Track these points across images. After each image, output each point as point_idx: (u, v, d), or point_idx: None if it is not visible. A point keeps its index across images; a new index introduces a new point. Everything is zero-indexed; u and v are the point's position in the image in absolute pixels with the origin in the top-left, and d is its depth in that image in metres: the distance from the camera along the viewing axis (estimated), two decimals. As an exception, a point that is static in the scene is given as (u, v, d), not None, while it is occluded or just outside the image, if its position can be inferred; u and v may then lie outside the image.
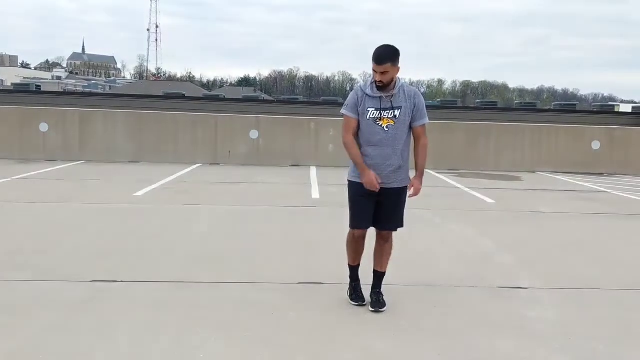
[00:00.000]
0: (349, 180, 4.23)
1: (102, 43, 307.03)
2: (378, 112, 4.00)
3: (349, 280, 4.38)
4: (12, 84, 32.28)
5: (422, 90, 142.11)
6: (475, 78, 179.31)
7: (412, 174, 4.26)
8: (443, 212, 8.12)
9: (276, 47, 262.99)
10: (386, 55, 3.92)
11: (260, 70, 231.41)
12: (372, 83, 4.03)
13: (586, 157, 14.16)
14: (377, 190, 4.02)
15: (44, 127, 13.37)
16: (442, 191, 10.29)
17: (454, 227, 7.19)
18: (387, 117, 4.00)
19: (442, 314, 4.16)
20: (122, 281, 4.59)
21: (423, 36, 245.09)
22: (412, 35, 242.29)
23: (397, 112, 4.01)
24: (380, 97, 4.00)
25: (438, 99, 38.13)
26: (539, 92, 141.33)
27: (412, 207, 8.30)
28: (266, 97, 54.35)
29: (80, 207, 7.73)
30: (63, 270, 4.84)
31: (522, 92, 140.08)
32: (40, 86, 25.74)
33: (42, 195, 8.55)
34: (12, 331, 3.61)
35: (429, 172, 13.01)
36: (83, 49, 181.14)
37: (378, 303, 4.16)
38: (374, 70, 3.94)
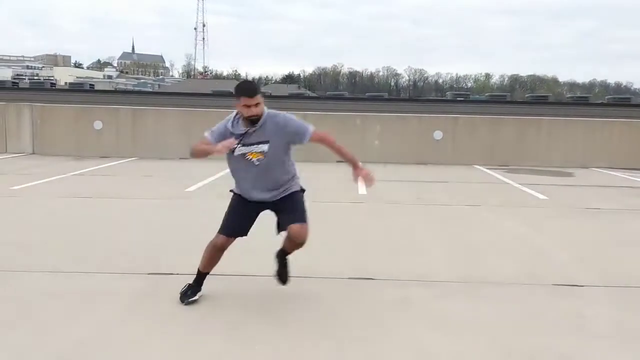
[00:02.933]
0: (231, 190, 4.13)
1: (151, 43, 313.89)
2: (246, 147, 3.80)
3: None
4: (66, 83, 33.42)
5: (469, 84, 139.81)
6: (523, 72, 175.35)
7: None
8: (494, 208, 8.00)
9: (320, 43, 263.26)
10: (256, 87, 3.81)
11: (304, 67, 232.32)
12: (237, 119, 3.84)
13: (642, 152, 13.68)
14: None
15: (98, 124, 13.81)
16: (493, 187, 10.14)
17: (505, 223, 7.08)
18: (256, 152, 3.82)
19: (495, 311, 4.11)
20: (178, 274, 4.71)
21: (469, 30, 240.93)
22: (457, 29, 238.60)
23: (264, 147, 3.80)
24: (245, 132, 3.79)
25: (486, 94, 37.48)
26: (590, 86, 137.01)
27: (463, 204, 8.32)
28: (311, 93, 54.52)
29: (135, 202, 7.95)
30: (121, 263, 5.00)
31: (572, 85, 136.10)
32: (93, 85, 26.54)
33: (98, 190, 8.83)
34: (78, 321, 3.75)
35: (478, 168, 12.83)
36: (133, 48, 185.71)
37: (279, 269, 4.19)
38: (244, 105, 3.70)
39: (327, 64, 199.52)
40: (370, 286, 4.58)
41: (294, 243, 3.99)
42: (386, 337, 3.60)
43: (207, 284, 4.53)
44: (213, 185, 9.54)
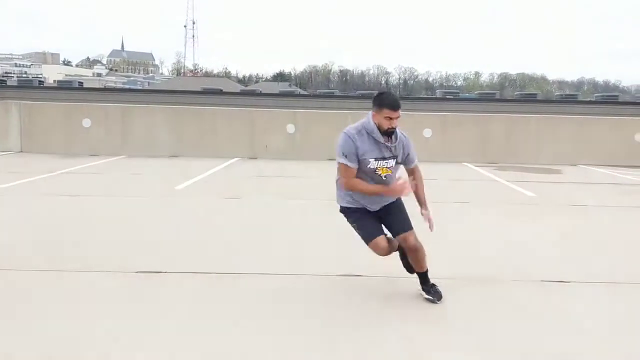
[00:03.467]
0: (345, 207, 4.14)
1: (141, 40, 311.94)
2: (377, 161, 3.91)
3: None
4: (55, 80, 33.18)
5: (459, 83, 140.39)
6: (512, 70, 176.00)
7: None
8: (483, 205, 8.04)
9: (311, 41, 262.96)
10: (399, 101, 3.89)
11: (295, 65, 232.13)
12: (369, 129, 3.89)
13: (630, 150, 13.80)
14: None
15: (86, 122, 13.74)
16: (481, 184, 10.19)
17: (494, 220, 7.12)
18: (385, 167, 3.95)
19: (484, 307, 4.13)
20: (165, 272, 4.70)
21: (457, 28, 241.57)
22: (445, 27, 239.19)
23: (392, 162, 3.98)
24: (379, 145, 3.90)
25: (476, 92, 37.61)
26: (579, 84, 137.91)
27: (452, 201, 8.34)
28: (302, 91, 54.46)
29: (123, 200, 7.92)
30: (109, 261, 4.98)
31: (561, 83, 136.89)
32: (82, 83, 26.37)
33: (87, 189, 8.79)
34: (66, 320, 3.74)
35: (467, 165, 12.89)
36: (122, 46, 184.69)
37: (430, 293, 4.17)
38: (387, 117, 3.81)
39: (318, 62, 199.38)
40: (360, 283, 4.59)
41: (409, 253, 4.14)
42: (375, 334, 3.61)
43: (198, 282, 4.53)
44: (203, 184, 9.53)
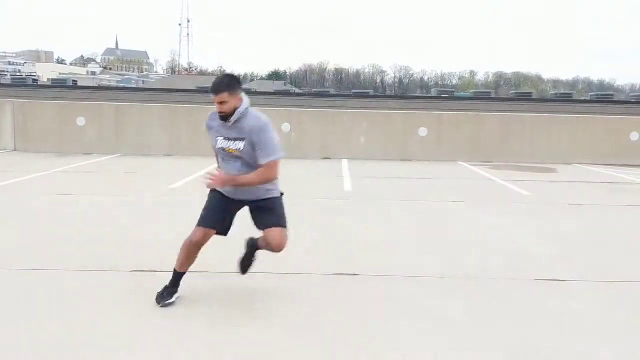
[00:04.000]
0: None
1: (135, 38, 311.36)
2: (225, 141, 3.88)
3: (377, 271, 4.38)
4: (49, 79, 32.99)
5: (454, 82, 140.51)
6: (508, 69, 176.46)
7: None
8: (478, 204, 8.05)
9: (306, 40, 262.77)
10: (221, 84, 3.77)
11: (290, 64, 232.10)
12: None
13: (624, 149, 13.85)
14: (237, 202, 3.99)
15: (81, 121, 13.68)
16: (476, 183, 10.20)
17: (489, 219, 7.13)
18: (233, 148, 3.85)
19: (479, 306, 4.13)
20: (161, 271, 4.68)
21: (453, 27, 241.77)
22: (440, 26, 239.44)
23: (240, 145, 3.81)
24: (225, 125, 3.86)
25: (471, 91, 37.67)
26: (574, 83, 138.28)
27: (447, 200, 8.35)
28: (297, 90, 54.40)
29: (118, 199, 7.89)
30: (105, 261, 4.96)
31: (556, 82, 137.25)
32: (76, 81, 26.22)
33: (81, 188, 8.75)
34: (61, 319, 3.72)
35: (462, 164, 12.91)
36: (117, 44, 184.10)
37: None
38: (213, 101, 3.81)
39: (314, 60, 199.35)
40: (355, 282, 4.59)
41: (271, 249, 4.02)
42: (371, 333, 3.61)
43: (192, 281, 4.51)
44: (198, 182, 9.48)
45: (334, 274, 4.74)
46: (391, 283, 4.56)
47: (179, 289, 4.09)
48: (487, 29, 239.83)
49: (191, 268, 4.78)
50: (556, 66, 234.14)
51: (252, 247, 4.28)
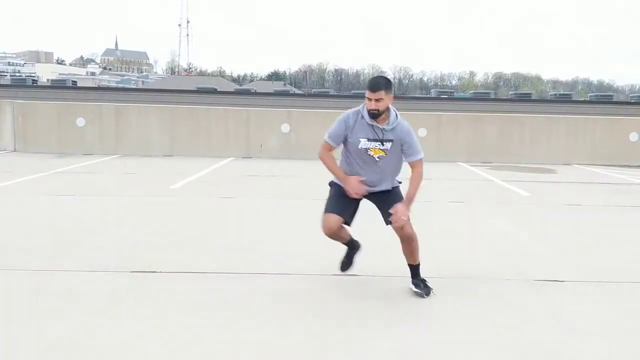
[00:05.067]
0: (332, 181, 4.29)
1: (135, 39, 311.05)
2: (369, 142, 4.01)
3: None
4: (48, 79, 33.00)
5: (453, 82, 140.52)
6: (507, 70, 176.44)
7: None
8: (477, 204, 8.06)
9: (305, 40, 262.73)
10: (380, 82, 3.92)
11: (289, 64, 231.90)
12: (362, 111, 4.04)
13: (624, 149, 13.87)
14: (363, 195, 4.11)
15: (80, 121, 13.68)
16: (476, 184, 10.21)
17: (488, 219, 7.13)
18: (378, 148, 4.03)
19: (478, 306, 4.14)
20: (160, 272, 4.69)
21: (453, 27, 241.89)
22: (440, 26, 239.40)
23: (388, 145, 4.03)
24: (372, 126, 4.00)
25: (470, 91, 37.69)
26: (573, 84, 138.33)
27: (446, 201, 8.35)
28: (296, 90, 54.42)
29: (118, 199, 7.89)
30: (104, 261, 4.96)
31: (556, 83, 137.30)
32: (76, 82, 26.24)
33: (81, 188, 8.76)
34: (60, 319, 3.72)
35: (461, 165, 12.92)
36: (116, 44, 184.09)
37: (419, 287, 4.24)
38: (367, 97, 3.92)
39: (313, 61, 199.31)
40: (355, 282, 4.59)
41: (402, 240, 4.21)
42: (371, 333, 3.61)
43: (192, 281, 4.53)
44: (198, 183, 9.51)
45: (334, 275, 4.75)
46: (391, 283, 4.57)
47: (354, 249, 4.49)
48: (487, 29, 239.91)
49: (189, 268, 4.80)
50: (555, 67, 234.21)
51: (352, 249, 4.52)
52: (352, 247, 4.52)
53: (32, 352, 3.26)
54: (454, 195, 8.94)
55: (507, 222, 7.01)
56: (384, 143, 4.01)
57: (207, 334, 3.56)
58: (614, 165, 13.31)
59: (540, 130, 14.04)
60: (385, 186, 4.19)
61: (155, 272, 4.70)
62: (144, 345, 3.39)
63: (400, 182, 4.29)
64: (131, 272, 4.69)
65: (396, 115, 4.04)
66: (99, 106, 14.15)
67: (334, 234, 4.20)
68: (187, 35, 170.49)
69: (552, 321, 3.89)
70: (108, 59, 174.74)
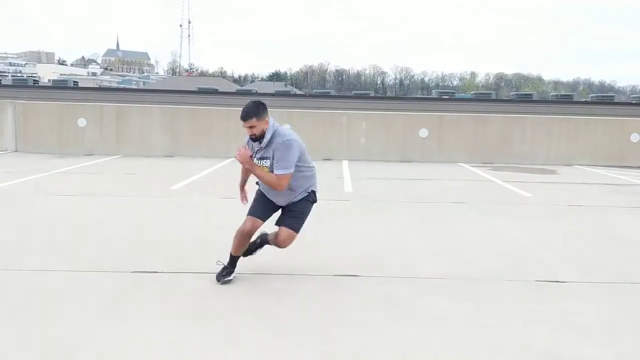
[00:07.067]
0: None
1: (136, 39, 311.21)
2: (257, 160, 4.44)
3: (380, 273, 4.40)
4: (50, 80, 33.04)
5: (455, 83, 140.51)
6: (508, 70, 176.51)
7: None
8: (479, 205, 8.05)
9: (306, 41, 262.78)
10: (249, 112, 4.40)
11: (290, 65, 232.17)
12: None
13: (625, 150, 13.85)
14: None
15: (82, 122, 13.70)
16: (477, 185, 10.20)
17: (490, 220, 7.13)
18: (263, 165, 4.39)
19: (480, 307, 4.14)
20: (162, 272, 4.69)
21: (454, 27, 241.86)
22: (441, 27, 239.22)
23: (267, 163, 4.37)
24: (256, 147, 4.44)
25: (471, 92, 37.69)
26: (574, 84, 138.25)
27: (448, 201, 8.35)
28: (297, 91, 54.41)
29: (119, 200, 7.90)
30: (105, 261, 4.97)
31: (557, 84, 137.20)
32: (77, 82, 26.27)
33: (82, 189, 8.76)
34: (60, 319, 3.72)
35: (462, 166, 12.91)
36: (117, 45, 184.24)
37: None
38: (243, 126, 4.36)
39: (314, 62, 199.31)
40: (355, 283, 4.59)
41: (276, 243, 4.55)
42: (371, 333, 3.61)
43: (191, 281, 4.53)
44: (198, 184, 9.50)
45: (334, 275, 4.75)
46: (391, 284, 4.56)
47: (235, 269, 4.52)
48: (488, 30, 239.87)
49: (187, 269, 4.80)
50: (557, 67, 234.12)
51: (262, 240, 4.74)
52: (254, 248, 4.76)
53: (32, 352, 3.26)
54: (454, 196, 8.93)
55: (508, 222, 7.00)
56: (264, 160, 4.38)
57: (207, 333, 3.56)
58: (615, 166, 13.30)
59: (542, 131, 14.03)
60: (283, 201, 4.49)
61: (156, 272, 4.70)
62: (144, 345, 3.39)
63: (314, 201, 4.63)
64: (131, 272, 4.69)
65: (273, 133, 4.36)
66: (100, 107, 14.16)
67: (245, 238, 4.46)
68: (189, 35, 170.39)
69: (552, 322, 3.88)
70: (109, 59, 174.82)
